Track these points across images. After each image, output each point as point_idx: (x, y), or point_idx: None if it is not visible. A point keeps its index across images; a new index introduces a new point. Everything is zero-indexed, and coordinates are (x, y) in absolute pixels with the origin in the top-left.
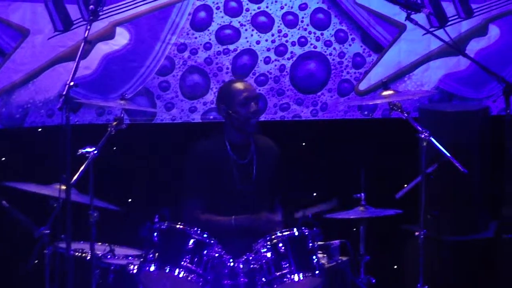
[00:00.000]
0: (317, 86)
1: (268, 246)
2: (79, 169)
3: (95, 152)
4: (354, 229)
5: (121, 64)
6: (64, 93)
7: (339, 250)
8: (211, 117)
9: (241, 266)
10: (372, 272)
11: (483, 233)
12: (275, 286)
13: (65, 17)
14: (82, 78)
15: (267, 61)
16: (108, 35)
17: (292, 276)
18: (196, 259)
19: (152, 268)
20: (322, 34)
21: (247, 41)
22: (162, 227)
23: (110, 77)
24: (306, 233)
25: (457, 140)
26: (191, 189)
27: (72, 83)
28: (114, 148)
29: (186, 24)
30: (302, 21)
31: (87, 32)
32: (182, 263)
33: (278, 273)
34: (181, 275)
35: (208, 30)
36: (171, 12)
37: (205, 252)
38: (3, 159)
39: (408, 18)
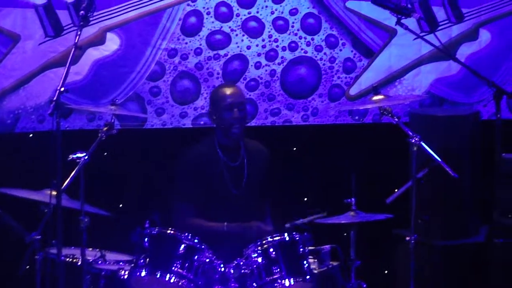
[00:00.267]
0: (307, 91)
1: (259, 251)
2: (69, 174)
3: (86, 157)
4: (345, 234)
5: (112, 70)
6: (55, 98)
7: (329, 255)
8: (202, 122)
9: (232, 271)
10: (363, 277)
11: (473, 238)
12: None
13: (55, 22)
14: (73, 83)
15: (257, 66)
16: (99, 40)
17: (283, 281)
18: (187, 264)
19: (143, 273)
20: (312, 39)
21: (238, 46)
22: (153, 232)
23: (101, 83)
24: (297, 238)
25: (448, 144)
26: (182, 194)
27: (62, 89)
28: (105, 153)
29: (176, 29)
30: (292, 26)
31: (77, 37)
32: (173, 268)
33: (269, 278)
34: (172, 280)
35: (199, 35)
36: (162, 17)
37: (196, 257)
38: None
39: (398, 22)
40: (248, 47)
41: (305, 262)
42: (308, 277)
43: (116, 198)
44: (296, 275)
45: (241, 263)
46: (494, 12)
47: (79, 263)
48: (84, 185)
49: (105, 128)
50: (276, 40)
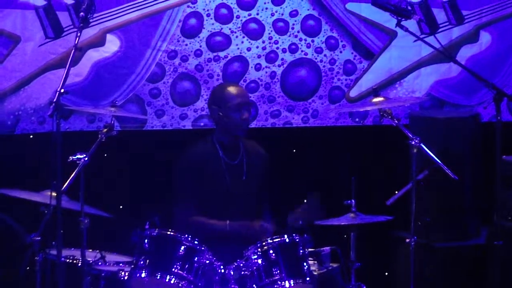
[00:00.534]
0: (308, 93)
1: (259, 253)
2: (70, 176)
3: (86, 159)
4: (345, 236)
5: (112, 71)
6: (55, 100)
7: (329, 256)
8: (202, 124)
9: (232, 273)
10: (363, 279)
11: (474, 240)
12: None
13: (56, 24)
14: (73, 85)
15: (257, 68)
16: (99, 42)
17: (283, 283)
18: (187, 265)
19: (143, 274)
20: (312, 41)
21: (238, 48)
22: (153, 233)
23: (101, 84)
24: (297, 240)
25: (448, 146)
26: (183, 194)
27: (62, 90)
28: (105, 155)
29: (176, 31)
30: (292, 28)
31: (77, 39)
32: (173, 269)
33: (269, 280)
34: (172, 282)
35: (199, 37)
36: (162, 19)
37: (196, 258)
38: None
39: (398, 24)
40: (248, 49)
41: (305, 263)
42: (308, 278)
43: (116, 200)
44: (296, 276)
45: (241, 264)
46: (495, 14)
47: (79, 264)
48: (84, 186)
49: (105, 130)
50: (276, 42)
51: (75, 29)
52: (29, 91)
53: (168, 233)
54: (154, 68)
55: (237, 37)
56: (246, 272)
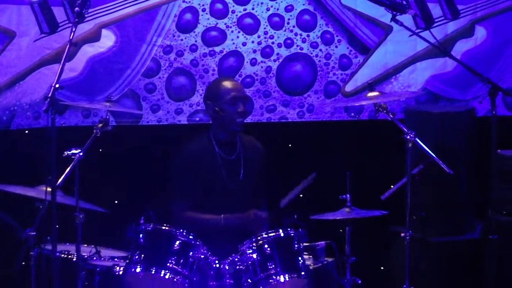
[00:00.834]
0: (303, 87)
1: (254, 247)
2: (65, 171)
3: (81, 153)
4: (340, 230)
5: (107, 66)
6: (49, 95)
7: (325, 251)
8: (197, 119)
9: (227, 267)
10: (358, 273)
11: (469, 234)
12: (261, 287)
13: (51, 19)
14: (68, 80)
15: (253, 62)
16: (94, 37)
17: (278, 277)
18: (182, 260)
19: (138, 269)
20: (308, 36)
21: (233, 43)
22: (148, 228)
23: (96, 79)
24: (292, 234)
25: (443, 141)
26: (179, 190)
27: (57, 85)
28: (100, 150)
29: (172, 26)
30: (288, 23)
31: (72, 34)
32: (168, 264)
33: (264, 274)
34: (167, 277)
35: (194, 32)
36: (157, 14)
37: (190, 253)
38: None
39: (393, 19)
40: (244, 44)
41: (300, 258)
42: (303, 273)
43: (111, 195)
44: (291, 271)
45: (236, 259)
46: (490, 9)
47: (74, 259)
48: (79, 182)
49: (100, 125)
50: (271, 37)
51: (70, 24)
52: (24, 87)
53: (163, 228)
54: (150, 63)
55: (232, 32)
56: (241, 267)
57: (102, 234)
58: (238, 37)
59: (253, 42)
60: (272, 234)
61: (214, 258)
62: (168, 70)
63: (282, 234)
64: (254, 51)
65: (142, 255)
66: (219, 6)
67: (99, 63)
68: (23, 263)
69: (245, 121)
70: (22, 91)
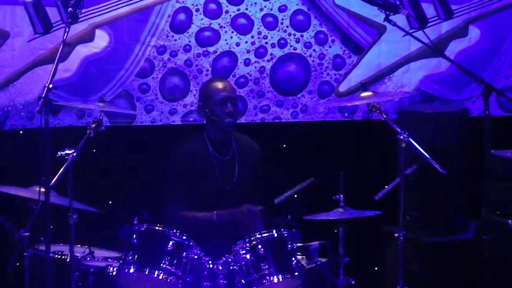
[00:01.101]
0: (297, 88)
1: (247, 248)
2: (58, 171)
3: (74, 154)
4: (335, 231)
5: (101, 67)
6: (43, 95)
7: (318, 251)
8: (191, 119)
9: (220, 267)
10: (352, 273)
11: (462, 235)
12: (254, 287)
13: (44, 19)
14: (62, 80)
15: (247, 63)
16: (88, 37)
17: (272, 277)
18: (175, 261)
19: (132, 270)
20: (302, 36)
21: (227, 43)
22: (141, 229)
23: (90, 80)
24: (285, 235)
25: (436, 141)
26: (173, 190)
27: (51, 86)
28: (94, 150)
29: (165, 26)
30: (281, 23)
31: (65, 34)
32: (162, 265)
33: (257, 275)
34: (160, 277)
35: (188, 32)
36: (151, 14)
37: (184, 254)
38: None
39: (386, 19)
40: (237, 44)
41: (293, 258)
42: (296, 273)
43: (104, 195)
44: (284, 271)
45: (230, 259)
46: (484, 9)
47: (68, 260)
48: (73, 182)
49: (93, 125)
50: (265, 37)
51: (64, 25)
52: (18, 87)
53: (157, 228)
54: (143, 63)
55: (226, 32)
56: (234, 267)
57: (95, 235)
58: (231, 37)
59: (246, 42)
60: (265, 235)
61: (207, 258)
62: (162, 70)
63: (275, 235)
64: (248, 51)
65: (136, 256)
66: (212, 6)
67: (93, 64)
68: (17, 263)
69: (239, 121)
70: (16, 92)
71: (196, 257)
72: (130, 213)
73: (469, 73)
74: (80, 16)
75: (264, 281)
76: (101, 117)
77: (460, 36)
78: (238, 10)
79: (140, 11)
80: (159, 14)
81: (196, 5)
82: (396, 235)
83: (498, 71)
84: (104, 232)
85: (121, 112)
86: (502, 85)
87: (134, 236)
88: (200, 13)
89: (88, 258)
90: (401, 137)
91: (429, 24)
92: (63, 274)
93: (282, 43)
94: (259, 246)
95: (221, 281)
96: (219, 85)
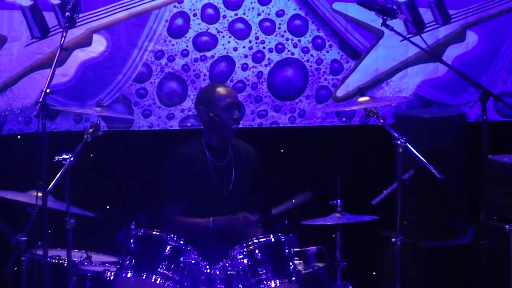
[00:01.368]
0: (294, 92)
1: (244, 253)
2: (56, 176)
3: (72, 159)
4: (334, 236)
5: (98, 71)
6: (40, 100)
7: (315, 256)
8: (189, 124)
9: (217, 272)
10: (349, 278)
11: (460, 239)
12: None
13: (42, 24)
14: (60, 85)
15: (244, 67)
16: (85, 42)
17: (269, 282)
18: (172, 265)
19: (129, 274)
20: (299, 41)
21: (225, 48)
22: (139, 233)
23: (88, 84)
24: (283, 240)
25: (434, 145)
26: (170, 195)
27: (48, 90)
28: (91, 155)
29: (163, 31)
30: (279, 28)
31: (63, 39)
32: (159, 269)
33: (254, 280)
34: (158, 282)
35: (185, 37)
36: (148, 19)
37: (181, 258)
38: None
39: (384, 24)
40: (235, 49)
41: (291, 263)
42: (293, 278)
43: (102, 200)
44: (281, 276)
45: (227, 264)
46: (481, 14)
47: (65, 264)
48: (70, 187)
49: (90, 130)
50: (262, 42)
51: (62, 29)
52: (16, 91)
53: (154, 233)
54: (141, 68)
55: (223, 37)
56: (232, 272)
57: (93, 239)
58: (229, 42)
59: (244, 47)
60: (263, 239)
61: (205, 263)
62: (160, 75)
63: (273, 239)
64: (245, 56)
65: (133, 260)
66: (210, 11)
67: (90, 68)
68: (15, 268)
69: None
70: (14, 96)
71: (193, 261)
72: (128, 217)
73: (466, 78)
74: (77, 20)
75: (261, 286)
76: (98, 122)
77: (458, 41)
78: (236, 15)
79: (137, 15)
80: (156, 19)
81: (194, 10)
82: (393, 240)
83: (496, 76)
84: (102, 236)
85: (119, 117)
86: (500, 90)
87: (132, 240)
88: (197, 18)
89: (86, 263)
90: (398, 142)
91: (426, 29)
92: (61, 279)
93: (279, 48)
94: (257, 251)
95: (218, 286)
96: (225, 90)
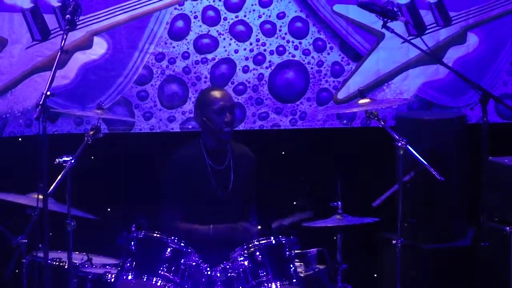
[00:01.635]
0: (295, 95)
1: (245, 255)
2: (56, 178)
3: (72, 161)
4: (334, 238)
5: (99, 74)
6: (41, 102)
7: (316, 258)
8: (190, 126)
9: (218, 274)
10: (350, 280)
11: (460, 241)
12: None
13: (42, 26)
14: (60, 87)
15: (245, 70)
16: (86, 44)
17: (269, 284)
18: (173, 267)
19: (130, 277)
20: (300, 43)
21: (225, 50)
22: (139, 236)
23: (88, 87)
24: (283, 242)
25: (435, 147)
26: (170, 199)
27: (48, 93)
28: (92, 157)
29: (164, 33)
30: (280, 30)
31: (63, 41)
32: (160, 272)
33: (255, 282)
34: (158, 284)
35: (186, 39)
36: (149, 21)
37: (182, 260)
38: None
39: (384, 26)
40: (236, 51)
41: (291, 265)
42: (294, 280)
43: (103, 202)
44: (282, 278)
45: (228, 266)
46: (482, 16)
47: (66, 267)
48: (71, 189)
49: (91, 132)
50: (263, 44)
51: (62, 32)
52: (17, 94)
53: (155, 235)
54: (142, 70)
55: (224, 39)
56: (232, 274)
57: (93, 242)
58: (230, 44)
59: (245, 49)
60: (263, 242)
61: (205, 265)
62: (161, 77)
63: (273, 242)
64: (246, 59)
65: (134, 263)
66: (211, 13)
67: (91, 71)
68: (16, 270)
69: (238, 128)
70: (14, 99)
71: (194, 264)
72: (128, 220)
73: (466, 80)
74: (78, 23)
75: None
76: (99, 124)
77: (459, 43)
78: (237, 17)
79: (138, 18)
80: (157, 21)
81: (195, 12)
82: (394, 241)
83: (497, 78)
84: (102, 239)
85: (120, 119)
86: (501, 92)
87: (132, 243)
88: (198, 20)
89: (86, 265)
90: (399, 144)
91: (427, 31)
92: (61, 281)
93: (280, 50)
94: (257, 253)
95: None
96: (217, 94)
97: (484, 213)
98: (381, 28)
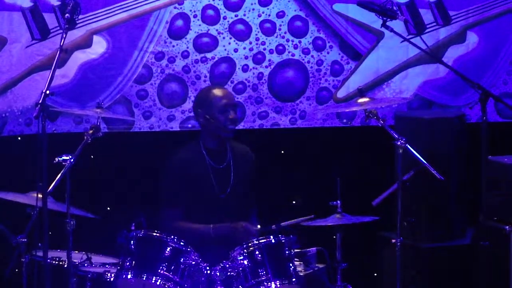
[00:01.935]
0: (295, 94)
1: (245, 254)
2: (56, 177)
3: (72, 160)
4: (334, 237)
5: (99, 73)
6: (40, 101)
7: (316, 257)
8: (190, 125)
9: (218, 273)
10: (349, 279)
11: (460, 240)
12: None
13: (42, 25)
14: (60, 86)
15: (245, 69)
16: (85, 43)
17: (269, 283)
18: (173, 267)
19: (129, 276)
20: (300, 42)
21: (225, 49)
22: (139, 235)
23: (88, 86)
24: (283, 241)
25: (434, 146)
26: (170, 199)
27: (48, 92)
28: (92, 156)
29: (163, 32)
30: (279, 29)
31: (62, 40)
32: (159, 271)
33: (255, 281)
34: (158, 283)
35: (186, 38)
36: (149, 20)
37: (182, 259)
38: None
39: (384, 25)
40: (236, 50)
41: (291, 264)
42: (294, 279)
43: (102, 201)
44: (282, 277)
45: (227, 265)
46: (482, 15)
47: (65, 266)
48: (71, 188)
49: (90, 131)
50: (263, 43)
51: (62, 31)
52: (16, 93)
53: (154, 234)
54: (141, 69)
55: (224, 38)
56: (232, 273)
57: (93, 241)
58: (229, 43)
59: (244, 48)
60: (263, 241)
61: (205, 264)
62: (160, 76)
63: (273, 241)
64: (246, 58)
65: (133, 262)
66: (210, 12)
67: (90, 70)
68: (15, 270)
69: (237, 127)
70: (14, 98)
71: (193, 263)
72: (128, 219)
73: (466, 79)
74: (77, 22)
75: (261, 287)
76: (98, 123)
77: (458, 42)
78: (236, 16)
79: (138, 17)
80: (157, 20)
81: (194, 11)
82: (393, 240)
83: (496, 77)
84: (102, 238)
85: (119, 118)
86: (500, 91)
87: (132, 242)
88: (198, 19)
89: (86, 264)
90: (398, 143)
91: (427, 30)
92: (61, 280)
93: (280, 49)
94: (257, 252)
95: (218, 287)
96: (221, 92)
97: (483, 212)
98: (381, 27)
